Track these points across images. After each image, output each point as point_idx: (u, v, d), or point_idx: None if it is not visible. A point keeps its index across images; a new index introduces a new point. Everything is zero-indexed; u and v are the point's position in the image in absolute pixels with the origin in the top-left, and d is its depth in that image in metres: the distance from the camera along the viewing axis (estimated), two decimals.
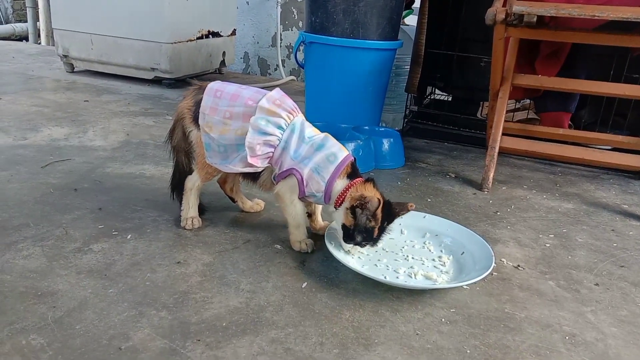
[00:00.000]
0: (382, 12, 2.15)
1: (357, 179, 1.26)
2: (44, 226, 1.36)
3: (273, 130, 1.27)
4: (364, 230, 1.23)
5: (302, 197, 1.30)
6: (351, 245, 1.26)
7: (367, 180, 1.26)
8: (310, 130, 1.31)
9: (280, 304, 1.11)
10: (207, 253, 1.30)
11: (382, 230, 1.25)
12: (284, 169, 1.28)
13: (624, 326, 1.12)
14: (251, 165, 1.28)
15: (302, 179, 1.25)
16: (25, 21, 5.27)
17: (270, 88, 1.34)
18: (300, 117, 1.32)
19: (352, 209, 1.22)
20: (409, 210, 1.27)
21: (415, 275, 1.24)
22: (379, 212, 1.21)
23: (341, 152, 1.27)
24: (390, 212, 1.24)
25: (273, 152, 1.29)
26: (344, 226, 1.25)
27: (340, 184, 1.26)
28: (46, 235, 1.32)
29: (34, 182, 1.64)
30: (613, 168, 2.16)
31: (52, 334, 0.96)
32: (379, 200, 1.20)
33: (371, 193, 1.22)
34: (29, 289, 1.09)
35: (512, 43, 2.04)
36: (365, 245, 1.26)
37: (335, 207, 1.27)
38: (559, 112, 2.36)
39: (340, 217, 1.26)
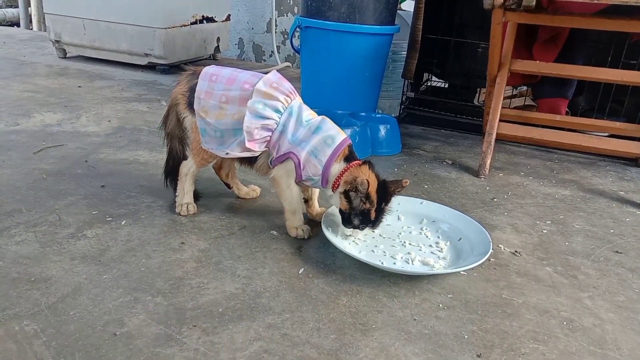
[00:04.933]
0: None
1: (354, 162, 1.25)
2: (37, 212, 1.35)
3: (270, 114, 1.25)
4: (360, 213, 1.22)
5: (299, 182, 1.29)
6: (351, 229, 1.25)
7: (364, 163, 1.25)
8: (308, 114, 1.29)
9: (276, 290, 1.10)
10: (203, 239, 1.28)
11: (380, 211, 1.23)
12: (282, 153, 1.26)
13: (621, 312, 1.12)
14: (249, 150, 1.26)
15: (299, 162, 1.24)
16: (17, 6, 5.19)
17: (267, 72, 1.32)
18: (297, 100, 1.31)
19: (346, 193, 1.22)
20: (403, 187, 1.25)
21: (412, 261, 1.23)
22: (372, 193, 1.20)
23: (339, 135, 1.26)
24: (386, 192, 1.23)
25: (271, 136, 1.27)
26: (340, 210, 1.25)
27: (337, 167, 1.25)
28: (39, 221, 1.30)
29: (26, 167, 1.62)
30: (610, 155, 2.15)
31: (46, 320, 0.95)
32: (368, 181, 1.19)
33: (365, 175, 1.21)
34: (22, 275, 1.08)
35: (510, 28, 2.02)
36: (364, 228, 1.24)
37: (332, 191, 1.26)
38: (556, 98, 2.35)
39: (336, 201, 1.26)
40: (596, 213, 1.64)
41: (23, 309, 0.98)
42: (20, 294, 1.02)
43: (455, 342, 0.98)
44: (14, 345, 0.89)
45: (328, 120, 1.29)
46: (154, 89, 2.83)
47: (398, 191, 1.25)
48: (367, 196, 1.20)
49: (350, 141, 1.28)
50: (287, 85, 1.29)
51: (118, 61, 3.27)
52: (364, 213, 1.22)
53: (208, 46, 3.51)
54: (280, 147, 1.27)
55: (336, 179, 1.24)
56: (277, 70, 1.35)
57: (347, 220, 1.25)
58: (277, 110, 1.26)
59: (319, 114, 1.34)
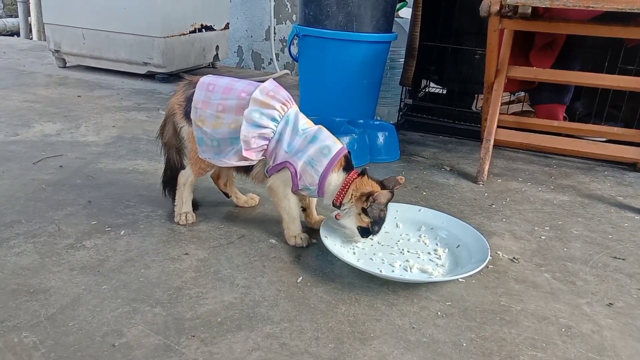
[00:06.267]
0: (376, 4, 2.14)
1: (352, 174, 1.26)
2: (36, 222, 1.35)
3: (267, 122, 1.25)
4: (380, 220, 1.26)
5: (296, 191, 1.29)
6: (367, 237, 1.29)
7: (361, 174, 1.27)
8: (304, 122, 1.30)
9: (275, 299, 1.10)
10: (202, 248, 1.29)
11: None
12: (278, 162, 1.27)
13: (619, 318, 1.12)
14: (246, 159, 1.27)
15: (296, 172, 1.25)
16: (17, 16, 5.22)
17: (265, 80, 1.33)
18: (294, 109, 1.31)
19: (364, 210, 1.24)
20: (400, 183, 1.28)
21: (410, 268, 1.24)
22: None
23: (335, 145, 1.26)
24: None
25: (267, 145, 1.28)
26: (360, 228, 1.27)
27: (336, 177, 1.26)
28: (38, 231, 1.31)
29: (25, 178, 1.62)
30: (608, 160, 2.16)
31: (45, 331, 0.95)
32: (390, 192, 1.22)
33: (369, 186, 1.24)
34: (21, 286, 1.08)
35: (507, 35, 2.03)
36: (379, 230, 1.28)
37: (334, 204, 1.28)
38: (553, 104, 2.35)
39: (351, 221, 1.27)
40: (594, 218, 1.64)
41: (22, 320, 0.98)
42: (19, 305, 1.02)
43: (454, 350, 0.98)
44: (13, 357, 0.89)
45: (324, 129, 1.30)
46: (153, 98, 2.84)
47: (396, 188, 1.28)
48: (386, 205, 1.24)
49: (347, 150, 1.29)
50: (284, 93, 1.30)
51: (117, 70, 3.28)
52: (382, 218, 1.26)
53: (207, 54, 3.53)
54: (277, 156, 1.27)
55: (339, 192, 1.26)
56: (276, 78, 1.36)
57: (367, 232, 1.27)
58: (273, 119, 1.26)
59: (317, 122, 1.35)
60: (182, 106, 1.33)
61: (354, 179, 1.26)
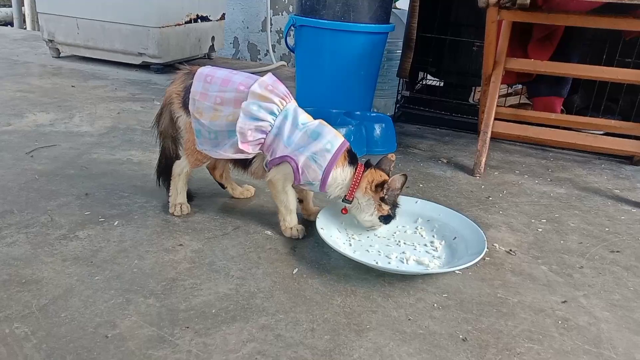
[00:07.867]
0: None
1: (360, 167, 1.28)
2: (28, 213, 1.33)
3: (265, 115, 1.24)
4: (396, 203, 1.30)
5: (297, 185, 1.28)
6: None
7: (366, 166, 1.29)
8: (304, 117, 1.29)
9: (270, 291, 1.09)
10: (196, 239, 1.28)
11: None
12: (277, 156, 1.25)
13: (616, 310, 1.12)
14: (242, 152, 1.25)
15: (297, 167, 1.23)
16: (10, 6, 5.16)
17: (262, 73, 1.31)
18: (293, 104, 1.30)
19: (383, 199, 1.26)
20: (392, 161, 1.33)
21: (407, 260, 1.23)
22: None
23: (337, 140, 1.26)
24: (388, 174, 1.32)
25: (265, 138, 1.26)
26: (382, 217, 1.28)
27: (341, 172, 1.26)
28: (31, 222, 1.29)
29: (18, 168, 1.60)
30: (605, 153, 2.15)
31: (37, 322, 0.94)
32: (403, 175, 1.26)
33: (379, 176, 1.27)
34: (12, 277, 1.07)
35: (505, 26, 2.01)
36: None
37: (345, 199, 1.28)
38: (551, 96, 2.35)
39: (370, 213, 1.28)
40: (591, 211, 1.64)
41: (14, 311, 0.97)
42: (10, 296, 1.01)
43: (450, 342, 0.98)
44: (4, 348, 0.88)
45: (325, 124, 1.29)
46: (148, 88, 2.82)
47: (393, 167, 1.33)
48: (401, 188, 1.28)
49: (349, 144, 1.28)
50: (283, 88, 1.28)
51: (112, 60, 3.25)
52: (397, 203, 1.30)
53: (203, 45, 3.50)
54: (275, 150, 1.26)
55: (351, 188, 1.27)
56: (272, 70, 1.35)
57: (389, 218, 1.30)
58: (271, 113, 1.25)
59: (313, 113, 1.33)
60: (180, 95, 1.31)
61: (363, 176, 1.27)
